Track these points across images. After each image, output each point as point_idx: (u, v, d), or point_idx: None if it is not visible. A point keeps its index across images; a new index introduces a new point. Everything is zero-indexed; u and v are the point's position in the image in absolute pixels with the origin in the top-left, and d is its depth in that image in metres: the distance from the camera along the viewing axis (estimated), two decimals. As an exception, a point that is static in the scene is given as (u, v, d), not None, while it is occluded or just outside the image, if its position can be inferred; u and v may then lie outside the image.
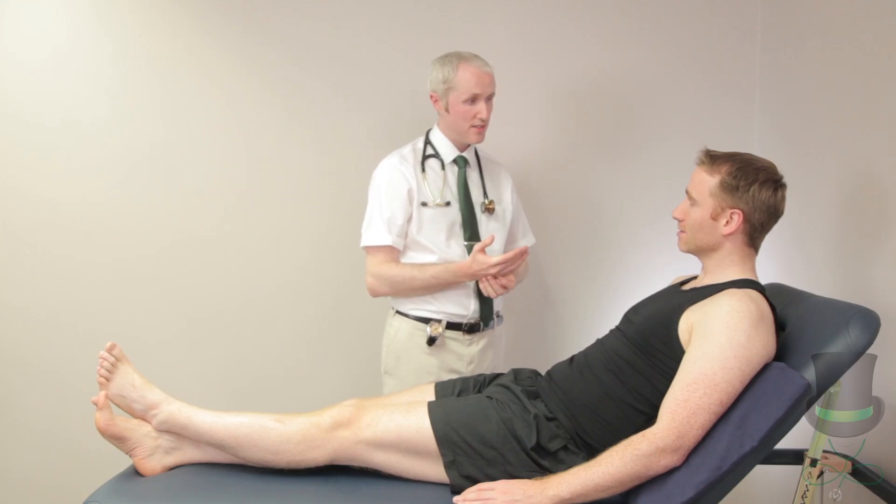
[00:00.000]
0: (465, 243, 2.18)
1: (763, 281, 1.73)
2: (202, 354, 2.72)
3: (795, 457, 1.78)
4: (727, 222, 1.65)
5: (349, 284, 2.70)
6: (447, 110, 2.16)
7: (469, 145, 2.24)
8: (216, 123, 2.67)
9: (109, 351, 1.71)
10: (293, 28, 2.65)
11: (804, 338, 1.59)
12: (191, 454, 1.70)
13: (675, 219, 1.74)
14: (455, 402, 1.72)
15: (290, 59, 2.66)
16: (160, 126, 2.66)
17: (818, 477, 1.66)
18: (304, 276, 2.72)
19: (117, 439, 1.67)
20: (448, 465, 1.62)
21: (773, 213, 1.67)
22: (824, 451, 1.66)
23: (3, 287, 2.68)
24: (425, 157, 2.22)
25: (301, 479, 1.64)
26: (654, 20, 2.65)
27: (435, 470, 1.64)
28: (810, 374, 1.48)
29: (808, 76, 2.32)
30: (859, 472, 1.73)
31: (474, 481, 1.59)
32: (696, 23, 2.65)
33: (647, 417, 1.60)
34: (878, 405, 1.57)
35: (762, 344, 1.52)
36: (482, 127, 2.15)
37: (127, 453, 1.69)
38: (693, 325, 1.57)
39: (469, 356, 2.21)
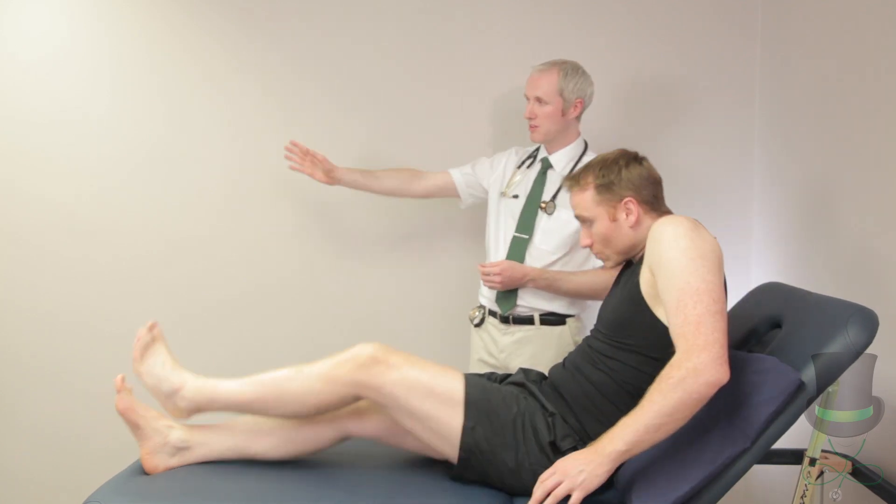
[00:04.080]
0: (514, 234, 2.26)
1: (763, 280, 1.74)
2: (203, 353, 2.71)
3: (794, 456, 1.78)
4: (627, 214, 1.68)
5: (349, 283, 2.71)
6: None
7: (563, 147, 2.29)
8: (216, 123, 2.67)
9: (150, 330, 1.73)
10: (293, 30, 2.65)
11: (803, 337, 1.59)
12: (198, 455, 1.70)
13: (586, 247, 1.77)
14: (488, 382, 1.71)
15: (290, 61, 2.66)
16: (160, 126, 2.66)
17: (818, 477, 1.66)
18: (304, 275, 2.72)
19: (133, 425, 1.69)
20: (465, 430, 1.59)
21: (654, 181, 1.72)
22: (824, 451, 1.66)
23: (3, 287, 2.68)
24: (529, 156, 2.37)
25: (301, 480, 1.64)
26: (654, 20, 2.65)
27: (448, 428, 1.61)
28: (809, 373, 1.48)
29: (808, 76, 2.32)
30: (859, 472, 1.72)
31: (480, 454, 1.58)
32: (696, 23, 2.65)
33: None
34: (878, 405, 1.57)
35: (707, 241, 1.54)
36: (532, 126, 2.25)
37: (137, 441, 1.70)
38: (650, 271, 1.59)
39: (502, 345, 2.29)
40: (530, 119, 2.24)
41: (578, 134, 2.31)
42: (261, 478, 1.65)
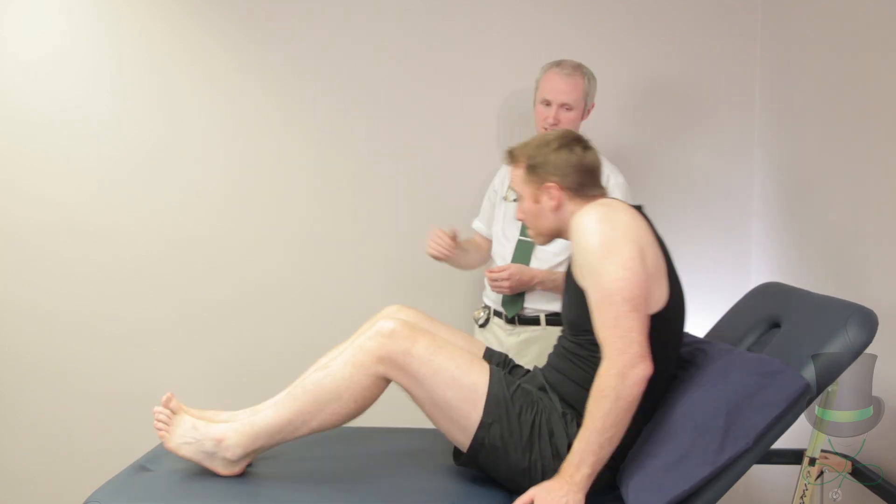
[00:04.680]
0: (519, 237, 2.27)
1: (762, 280, 1.74)
2: (203, 354, 2.73)
3: (794, 456, 1.77)
4: (549, 198, 1.69)
5: (349, 283, 2.71)
6: (534, 110, 2.28)
7: None
8: (216, 123, 2.68)
9: (165, 404, 1.67)
10: (293, 30, 2.66)
11: (802, 336, 1.59)
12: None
13: (520, 220, 1.79)
14: (511, 378, 1.69)
15: (290, 61, 2.67)
16: (160, 126, 2.67)
17: (818, 477, 1.66)
18: (304, 275, 2.72)
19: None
20: (482, 425, 1.59)
21: (584, 170, 1.69)
22: (824, 451, 1.66)
23: (3, 287, 2.68)
24: None
25: (301, 480, 1.64)
26: (654, 20, 2.65)
27: (466, 420, 1.60)
28: (809, 373, 1.48)
29: (809, 76, 2.32)
30: (859, 472, 1.72)
31: (492, 450, 1.58)
32: (696, 23, 2.65)
33: None
34: (878, 405, 1.57)
35: (619, 227, 1.53)
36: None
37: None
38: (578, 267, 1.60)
39: (507, 345, 2.29)
40: (554, 125, 2.21)
41: None
42: (261, 478, 1.65)
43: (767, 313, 1.80)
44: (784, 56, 2.49)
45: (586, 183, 1.70)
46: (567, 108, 2.21)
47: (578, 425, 1.62)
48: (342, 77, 2.67)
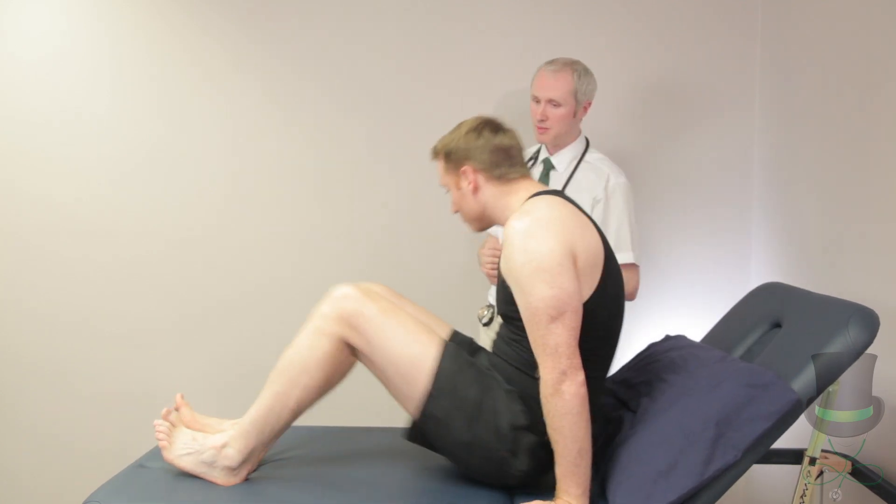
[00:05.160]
0: None
1: (762, 280, 1.74)
2: (203, 354, 2.73)
3: (794, 456, 1.77)
4: (467, 182, 1.70)
5: (343, 282, 2.71)
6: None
7: (564, 147, 2.29)
8: (216, 123, 2.68)
9: (165, 417, 1.68)
10: (293, 30, 2.66)
11: (803, 336, 1.59)
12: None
13: (455, 213, 1.80)
14: (466, 356, 1.69)
15: (290, 61, 2.67)
16: (160, 126, 2.67)
17: (818, 477, 1.66)
18: (304, 275, 2.72)
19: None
20: (429, 397, 1.59)
21: (495, 150, 1.69)
22: (824, 451, 1.66)
23: (3, 287, 2.68)
24: (530, 158, 2.35)
25: (301, 480, 1.65)
26: (654, 20, 2.65)
27: (412, 389, 1.61)
28: (809, 373, 1.48)
29: (808, 76, 2.32)
30: (859, 472, 1.72)
31: (436, 423, 1.59)
32: (696, 23, 2.65)
33: None
34: (878, 405, 1.57)
35: (545, 242, 1.52)
36: (542, 128, 2.22)
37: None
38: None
39: None
40: (542, 121, 2.21)
41: (580, 132, 2.31)
42: (260, 478, 1.66)
43: (768, 313, 1.80)
44: (784, 56, 2.49)
45: (501, 163, 1.70)
46: (554, 105, 2.19)
47: (521, 402, 1.61)
48: (342, 77, 2.67)
